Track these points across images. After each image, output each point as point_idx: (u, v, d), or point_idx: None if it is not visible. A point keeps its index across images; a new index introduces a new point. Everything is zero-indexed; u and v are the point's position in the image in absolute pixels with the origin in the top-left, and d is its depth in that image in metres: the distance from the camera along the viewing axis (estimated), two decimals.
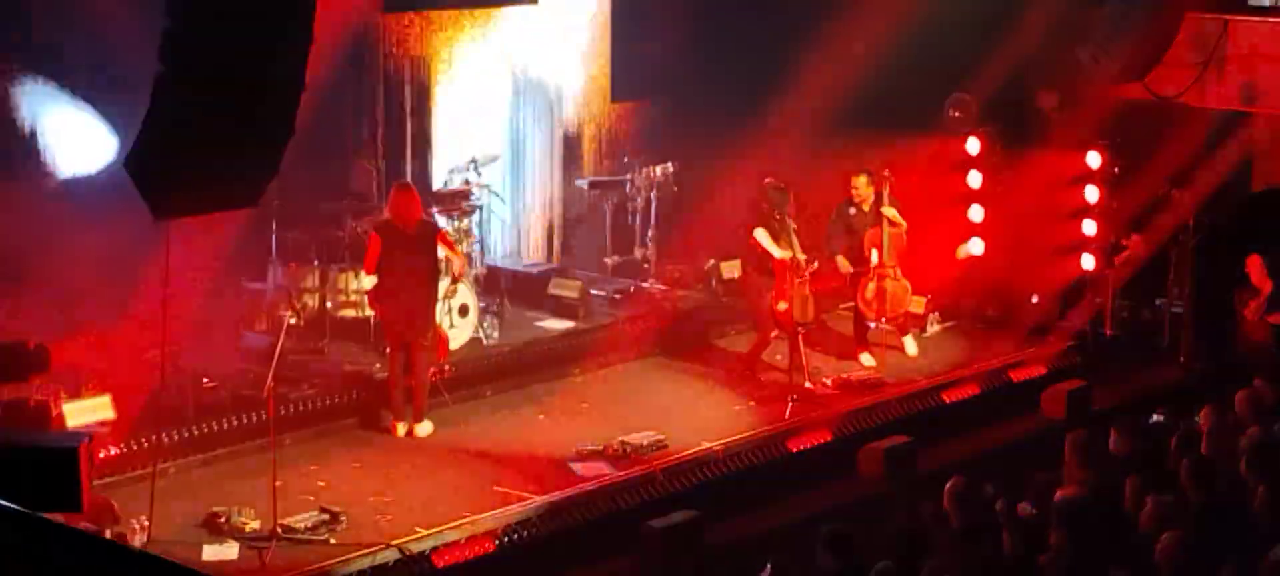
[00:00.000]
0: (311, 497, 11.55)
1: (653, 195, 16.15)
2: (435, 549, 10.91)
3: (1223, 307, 15.21)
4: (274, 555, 10.74)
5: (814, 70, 16.24)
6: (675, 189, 16.42)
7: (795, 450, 13.06)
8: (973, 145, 16.24)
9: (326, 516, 11.14)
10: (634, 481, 12.12)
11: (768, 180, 14.37)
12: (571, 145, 16.95)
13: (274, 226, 13.66)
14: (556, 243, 16.80)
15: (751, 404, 13.79)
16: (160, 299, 10.65)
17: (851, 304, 15.18)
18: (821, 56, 16.23)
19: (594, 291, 15.68)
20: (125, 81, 12.71)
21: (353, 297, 13.83)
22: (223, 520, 11.07)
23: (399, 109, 15.39)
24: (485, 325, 14.31)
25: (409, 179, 14.28)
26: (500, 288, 14.98)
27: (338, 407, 13.03)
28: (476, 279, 14.48)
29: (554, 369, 14.34)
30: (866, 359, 14.84)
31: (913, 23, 15.97)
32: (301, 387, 12.95)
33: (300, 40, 8.82)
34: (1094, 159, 16.00)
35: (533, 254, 16.60)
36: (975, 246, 16.26)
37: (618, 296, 15.86)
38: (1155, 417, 13.16)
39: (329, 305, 13.90)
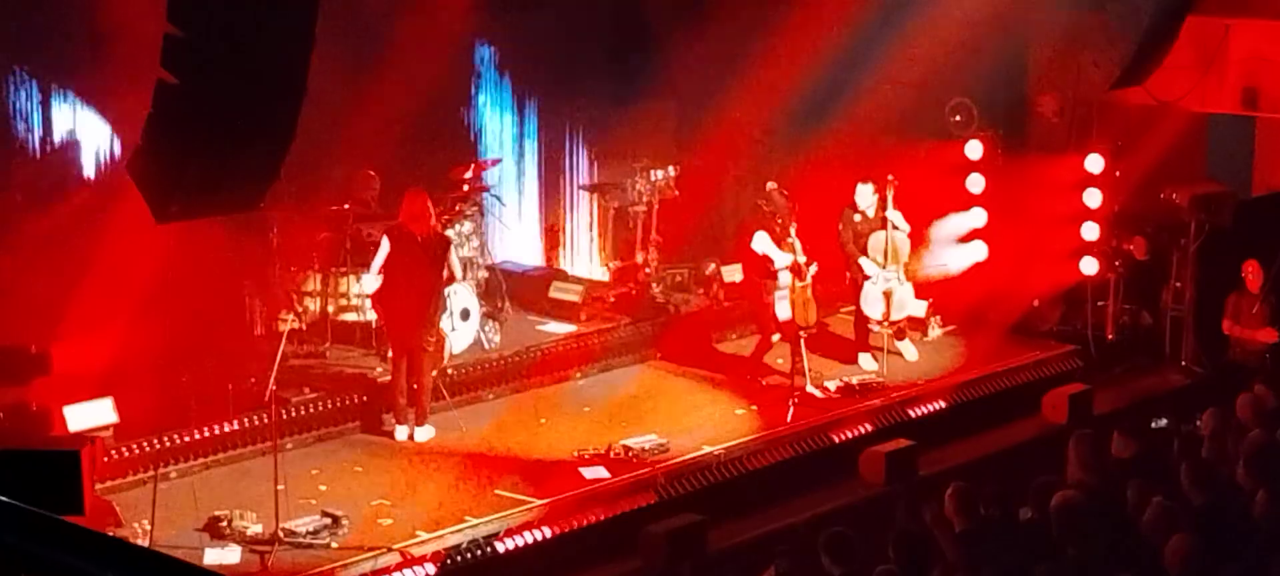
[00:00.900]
0: (313, 501, 11.55)
1: (654, 199, 16.14)
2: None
3: (1222, 312, 15.21)
4: (276, 559, 10.74)
5: (815, 72, 16.25)
6: (677, 193, 16.41)
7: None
8: (974, 149, 16.24)
9: (328, 520, 11.14)
10: (635, 485, 12.13)
11: (770, 184, 14.38)
12: (574, 149, 16.94)
13: (275, 230, 13.64)
14: (558, 246, 16.78)
15: (753, 407, 13.79)
16: (163, 302, 10.66)
17: (851, 308, 15.19)
18: (823, 59, 16.23)
19: (595, 295, 15.66)
20: (128, 84, 12.80)
21: (354, 301, 13.83)
22: (224, 524, 11.07)
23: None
24: (487, 329, 14.30)
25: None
26: (502, 291, 14.97)
27: (339, 411, 13.03)
28: (479, 282, 14.47)
29: (555, 372, 14.34)
30: (867, 361, 14.84)
31: (914, 24, 16.00)
32: (303, 391, 12.94)
33: (301, 45, 8.83)
34: (1095, 163, 16.00)
35: (534, 257, 16.59)
36: (976, 250, 16.24)
37: (619, 300, 15.85)
38: (1158, 422, 13.19)
39: (330, 309, 13.90)
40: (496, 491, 11.85)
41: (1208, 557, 8.70)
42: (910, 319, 15.12)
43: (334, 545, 10.93)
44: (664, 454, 12.58)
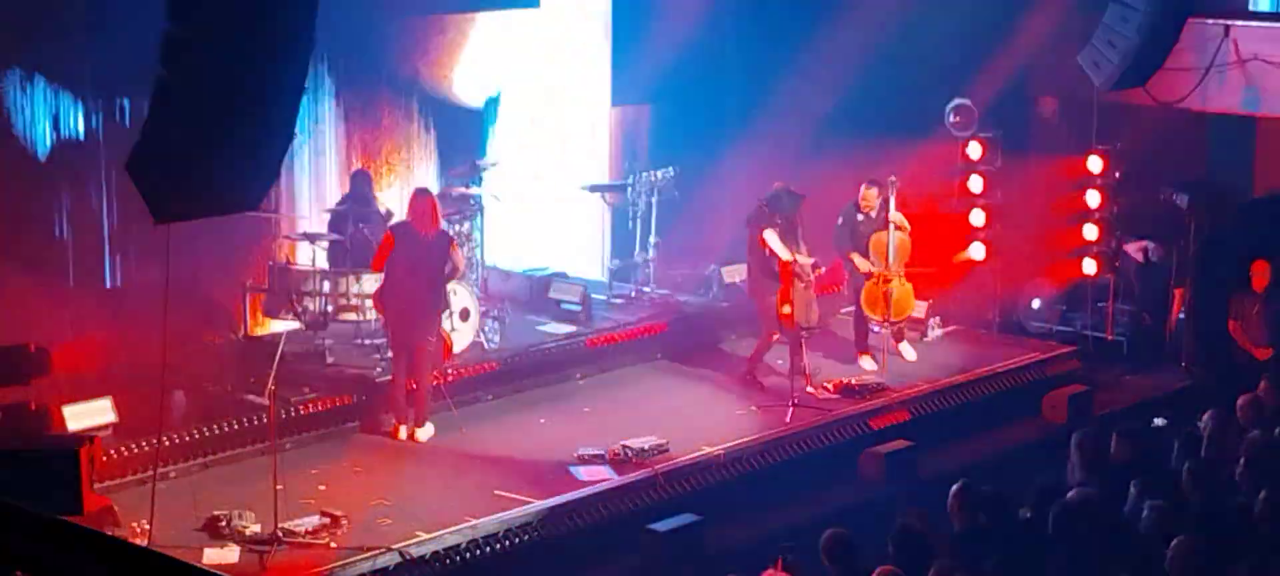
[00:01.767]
0: (312, 501, 11.54)
1: (654, 199, 16.13)
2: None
3: (1224, 312, 15.20)
4: (275, 558, 10.73)
5: (815, 74, 16.26)
6: (676, 193, 16.40)
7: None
8: (974, 150, 16.24)
9: (327, 520, 11.13)
10: (635, 485, 12.12)
11: (778, 184, 14.35)
12: (573, 149, 16.94)
13: (275, 229, 13.64)
14: (558, 247, 16.77)
15: (753, 408, 13.78)
16: (162, 301, 10.63)
17: (850, 308, 15.18)
18: (823, 61, 16.24)
19: (595, 295, 15.66)
20: (127, 83, 12.81)
21: (354, 301, 13.80)
22: (223, 523, 11.06)
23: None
24: (486, 329, 14.30)
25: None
26: (501, 292, 14.96)
27: (339, 411, 13.02)
28: (477, 283, 14.46)
29: (555, 373, 14.34)
30: (867, 362, 14.84)
31: (915, 27, 16.00)
32: (302, 391, 12.93)
33: (301, 44, 8.82)
34: (1095, 163, 16.00)
35: (534, 258, 16.58)
36: (976, 251, 16.25)
37: (619, 300, 15.86)
38: (1158, 422, 13.19)
39: (330, 308, 13.88)
40: (496, 491, 11.84)
41: (1208, 559, 8.69)
42: (910, 319, 15.11)
43: (333, 544, 10.92)
44: (664, 454, 12.58)
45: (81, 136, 13.23)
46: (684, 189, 16.44)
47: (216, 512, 11.16)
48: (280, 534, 10.88)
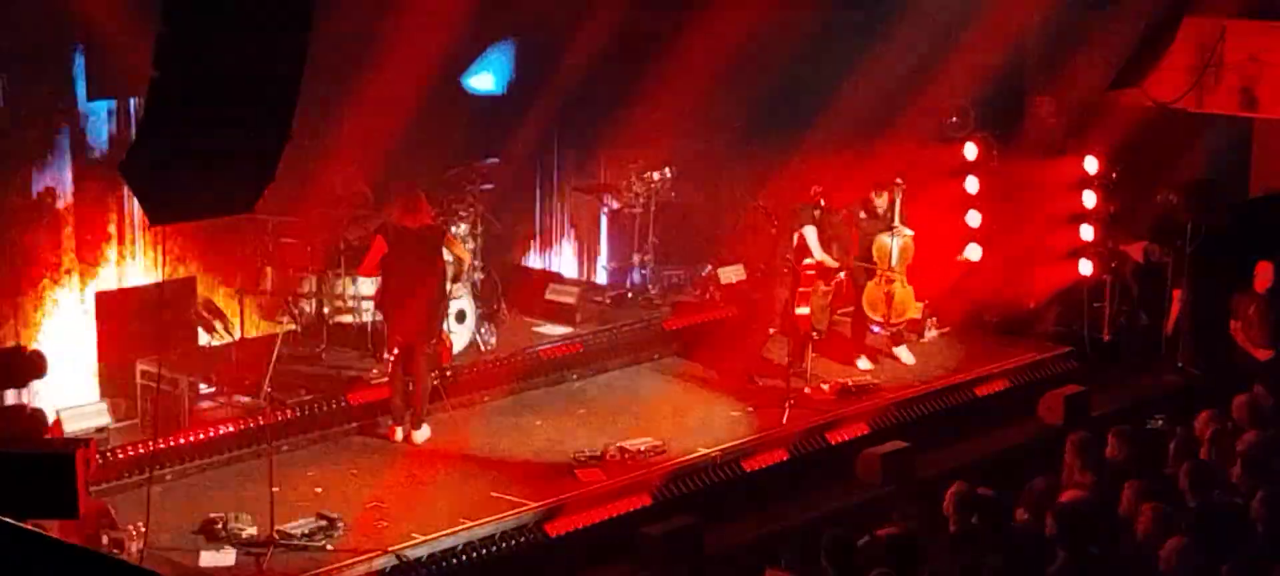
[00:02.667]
0: (308, 503, 11.53)
1: (651, 201, 16.13)
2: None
3: (1221, 312, 15.20)
4: (271, 561, 10.72)
5: (811, 76, 16.26)
6: (674, 195, 16.40)
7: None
8: (970, 151, 16.24)
9: (323, 522, 11.12)
10: (631, 487, 12.11)
11: (816, 190, 14.44)
12: (571, 150, 16.92)
13: (270, 231, 13.63)
14: (554, 248, 16.76)
15: (749, 409, 13.77)
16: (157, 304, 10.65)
17: (848, 310, 15.18)
18: (819, 62, 16.24)
19: (591, 297, 15.65)
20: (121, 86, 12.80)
21: (350, 303, 13.80)
22: (220, 526, 11.04)
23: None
24: (483, 331, 14.29)
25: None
26: (498, 293, 14.96)
27: (335, 413, 13.01)
28: (475, 284, 14.45)
29: (551, 374, 14.33)
30: (863, 362, 14.84)
31: (911, 28, 16.00)
32: (298, 393, 12.92)
33: (297, 45, 8.81)
34: (1091, 164, 16.00)
35: (531, 259, 16.58)
36: (973, 252, 16.24)
37: (615, 301, 15.84)
38: (1154, 423, 13.19)
39: (326, 310, 13.88)
40: (492, 493, 11.83)
41: (1204, 559, 8.69)
42: (909, 321, 15.10)
43: (329, 547, 10.90)
44: (660, 456, 12.57)
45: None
46: (681, 190, 16.43)
47: (213, 515, 11.15)
48: (276, 536, 10.87)
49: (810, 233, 14.25)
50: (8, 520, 4.01)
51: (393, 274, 12.78)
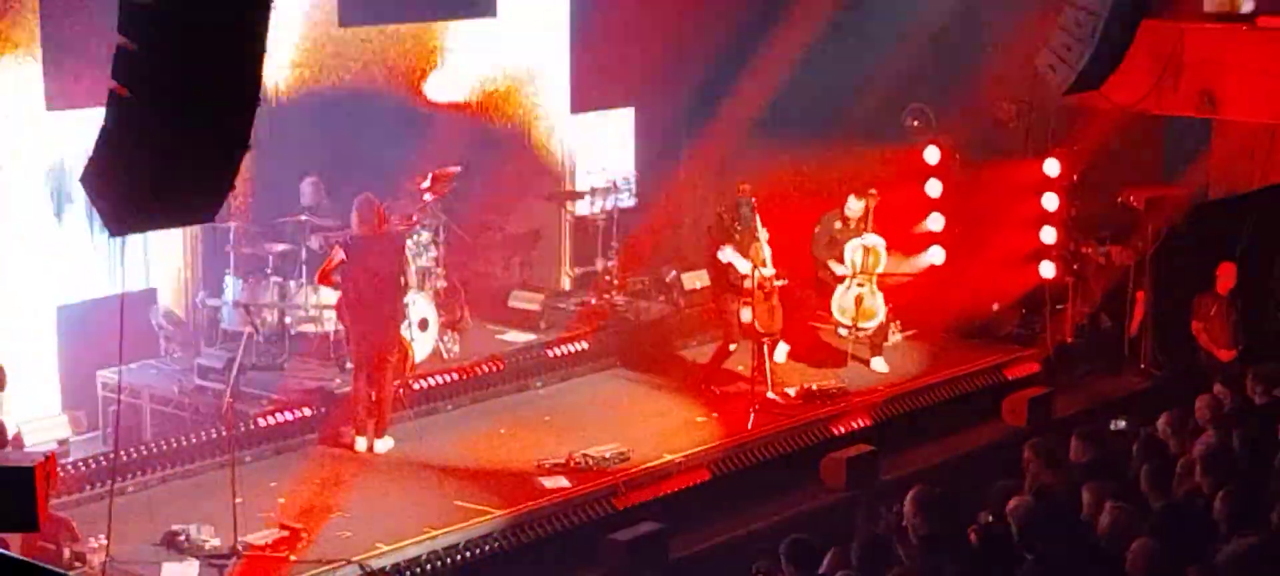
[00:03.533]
0: (272, 514, 11.48)
1: (614, 206, 16.12)
2: None
3: (1183, 313, 15.27)
4: (234, 572, 10.67)
5: (773, 80, 16.27)
6: (636, 201, 16.40)
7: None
8: (931, 154, 16.27)
9: (287, 533, 11.09)
10: (596, 494, 12.10)
11: (738, 195, 14.34)
12: (532, 157, 16.90)
13: (231, 241, 13.58)
14: (517, 255, 16.73)
15: (714, 414, 13.77)
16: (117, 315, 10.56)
17: (812, 321, 15.20)
18: (781, 66, 16.26)
19: (555, 304, 15.64)
20: (80, 95, 12.72)
21: (311, 312, 13.76)
22: (182, 538, 10.99)
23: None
24: (446, 339, 14.26)
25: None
26: (460, 301, 14.92)
27: (297, 423, 12.96)
28: (436, 293, 14.42)
29: (515, 382, 14.31)
30: (879, 363, 14.85)
31: (872, 32, 16.04)
32: (261, 403, 12.87)
33: (255, 54, 8.76)
34: (1052, 166, 16.04)
35: (492, 267, 16.54)
36: (935, 255, 16.28)
37: (579, 308, 15.83)
38: (1117, 424, 13.22)
39: (288, 320, 13.83)
40: (457, 502, 11.82)
41: (1168, 560, 8.70)
42: (879, 327, 15.07)
43: (293, 558, 10.86)
44: (625, 462, 12.57)
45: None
46: (644, 195, 16.44)
47: (175, 527, 11.10)
48: (240, 547, 10.83)
49: (727, 252, 14.12)
50: None
51: (353, 283, 12.74)
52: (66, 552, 10.48)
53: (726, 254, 14.07)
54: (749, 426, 13.42)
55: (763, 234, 14.14)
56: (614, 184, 16.24)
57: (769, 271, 14.07)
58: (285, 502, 11.81)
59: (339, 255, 12.71)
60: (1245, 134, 16.73)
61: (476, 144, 16.04)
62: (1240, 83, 16.03)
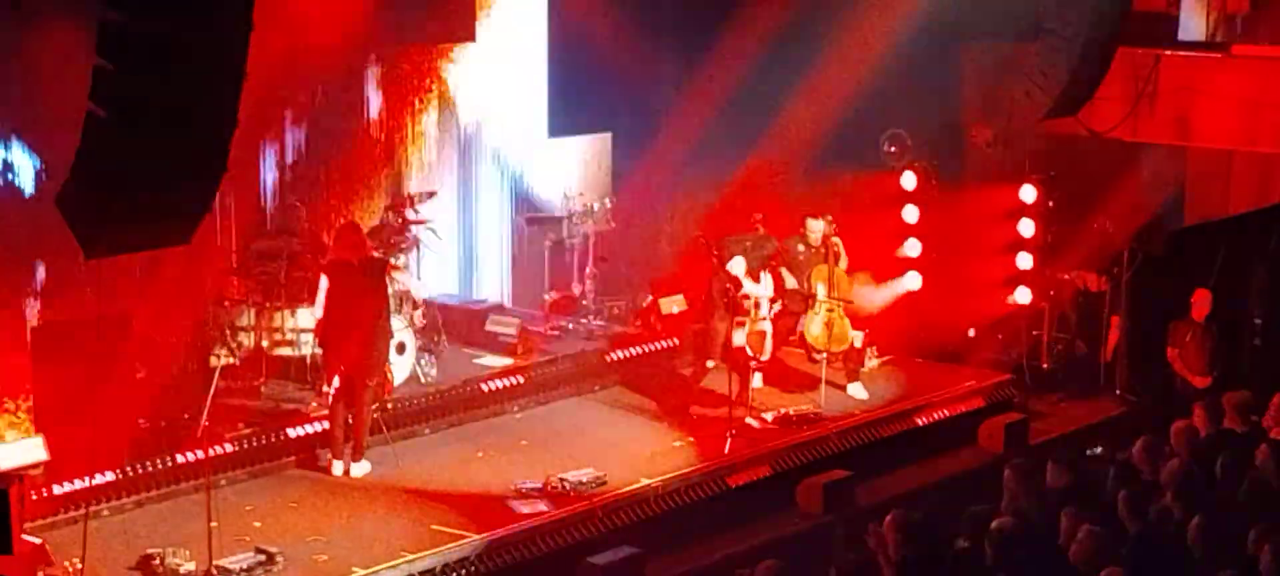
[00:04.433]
0: (247, 538, 11.44)
1: (591, 231, 16.13)
2: None
3: (1158, 340, 15.32)
4: None
5: (751, 106, 16.32)
6: (613, 224, 16.42)
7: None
8: (908, 180, 16.33)
9: (263, 557, 11.04)
10: (573, 518, 12.08)
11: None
12: (509, 181, 16.92)
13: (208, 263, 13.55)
14: (494, 279, 16.73)
15: (691, 439, 13.77)
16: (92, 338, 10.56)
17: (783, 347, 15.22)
18: (759, 93, 16.30)
19: (532, 328, 15.63)
20: (57, 118, 12.67)
21: (288, 335, 13.74)
22: (157, 562, 10.94)
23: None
24: (423, 362, 14.24)
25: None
26: (438, 325, 14.91)
27: (274, 447, 12.92)
28: (412, 317, 14.40)
29: (492, 406, 14.29)
30: (857, 390, 14.88)
31: (849, 58, 16.09)
32: (237, 427, 12.83)
33: (233, 77, 8.77)
34: (1029, 193, 16.10)
35: (470, 291, 16.54)
36: (911, 281, 16.32)
37: (556, 333, 15.83)
38: (1093, 450, 13.25)
39: (265, 344, 13.80)
40: (433, 526, 11.79)
41: None
42: (851, 349, 15.09)
43: None
44: (601, 487, 12.55)
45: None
46: (621, 220, 16.45)
47: (150, 551, 11.05)
48: (214, 572, 10.79)
49: (738, 264, 14.25)
50: None
51: (334, 306, 12.73)
52: None
53: (737, 265, 14.17)
54: (726, 451, 13.41)
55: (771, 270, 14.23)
56: (591, 208, 16.25)
57: (768, 294, 14.19)
58: (261, 526, 11.77)
59: (325, 282, 12.72)
60: (1220, 161, 16.82)
61: (454, 167, 16.07)
62: (1215, 110, 16.13)
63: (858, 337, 15.10)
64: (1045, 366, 16.16)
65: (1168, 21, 16.81)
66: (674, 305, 15.85)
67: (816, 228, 14.85)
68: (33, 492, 11.15)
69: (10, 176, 12.91)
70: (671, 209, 17.12)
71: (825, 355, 14.83)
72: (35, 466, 11.71)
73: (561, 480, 12.53)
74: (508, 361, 14.94)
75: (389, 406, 13.41)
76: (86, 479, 11.42)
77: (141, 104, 8.52)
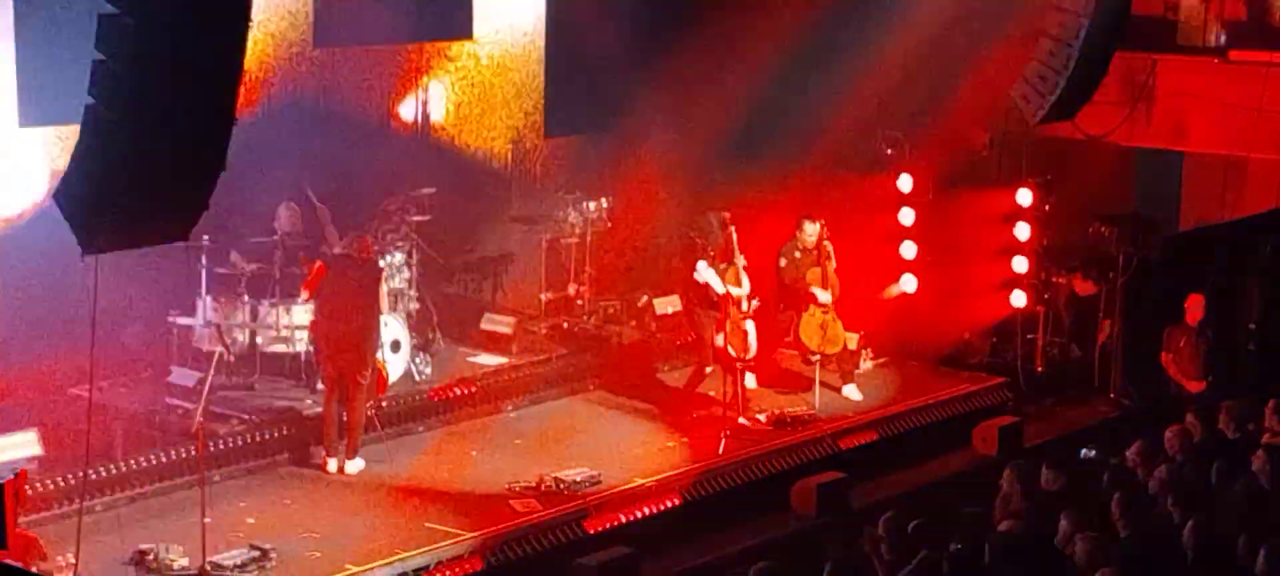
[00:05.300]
0: (241, 534, 11.44)
1: (587, 231, 16.13)
2: None
3: (1152, 343, 15.34)
4: None
5: (748, 106, 16.32)
6: (609, 224, 16.41)
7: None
8: (904, 182, 16.32)
9: (256, 553, 11.04)
10: (567, 518, 12.08)
11: (710, 214, 14.40)
12: (506, 180, 16.91)
13: (204, 261, 13.54)
14: (490, 278, 16.73)
15: (685, 439, 13.77)
16: (88, 333, 10.52)
17: (779, 348, 15.21)
18: (756, 93, 16.30)
19: (527, 327, 15.62)
20: (55, 113, 12.69)
21: (283, 333, 13.73)
22: (151, 557, 10.94)
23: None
24: (417, 361, 14.24)
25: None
26: (432, 323, 14.91)
27: (268, 443, 12.92)
28: (409, 314, 14.41)
29: (486, 405, 14.29)
30: (853, 392, 14.85)
31: (847, 60, 16.09)
32: (231, 423, 12.83)
33: (231, 74, 8.78)
34: (1025, 196, 16.11)
35: (465, 289, 16.53)
36: (908, 283, 16.32)
37: (551, 331, 15.82)
38: (1087, 453, 13.27)
39: (259, 340, 13.79)
40: (427, 524, 11.79)
41: None
42: (845, 351, 15.09)
43: None
44: (596, 486, 12.55)
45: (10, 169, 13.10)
46: (617, 220, 16.44)
47: (143, 546, 11.05)
48: (208, 568, 10.78)
49: (703, 268, 14.18)
50: None
51: (328, 303, 12.73)
52: (35, 571, 10.40)
53: (702, 271, 14.10)
54: (720, 452, 13.42)
55: (739, 260, 14.17)
56: (587, 207, 16.24)
57: (743, 292, 14.10)
58: (255, 522, 11.76)
59: (322, 268, 12.74)
60: (1216, 166, 16.85)
61: (450, 166, 16.06)
62: (1211, 115, 16.15)
63: (853, 339, 15.10)
64: (1039, 370, 16.16)
65: (1165, 26, 16.84)
66: (669, 305, 15.84)
67: (811, 230, 14.83)
68: (27, 487, 11.13)
69: None
70: (668, 209, 17.10)
71: (820, 357, 14.83)
72: (30, 460, 11.72)
73: (555, 479, 12.53)
74: (503, 360, 14.93)
75: (384, 404, 13.41)
76: (81, 473, 11.41)
77: (140, 100, 8.52)
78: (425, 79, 16.08)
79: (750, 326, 14.27)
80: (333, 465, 12.80)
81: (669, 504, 12.65)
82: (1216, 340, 15.19)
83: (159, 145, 8.69)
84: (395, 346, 13.82)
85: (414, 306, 14.62)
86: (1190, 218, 17.06)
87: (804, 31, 16.32)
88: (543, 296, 16.28)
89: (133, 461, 12.12)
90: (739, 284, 14.12)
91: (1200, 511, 9.81)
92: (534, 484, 12.51)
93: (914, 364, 16.05)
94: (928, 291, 16.25)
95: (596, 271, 16.27)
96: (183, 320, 13.74)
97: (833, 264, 14.82)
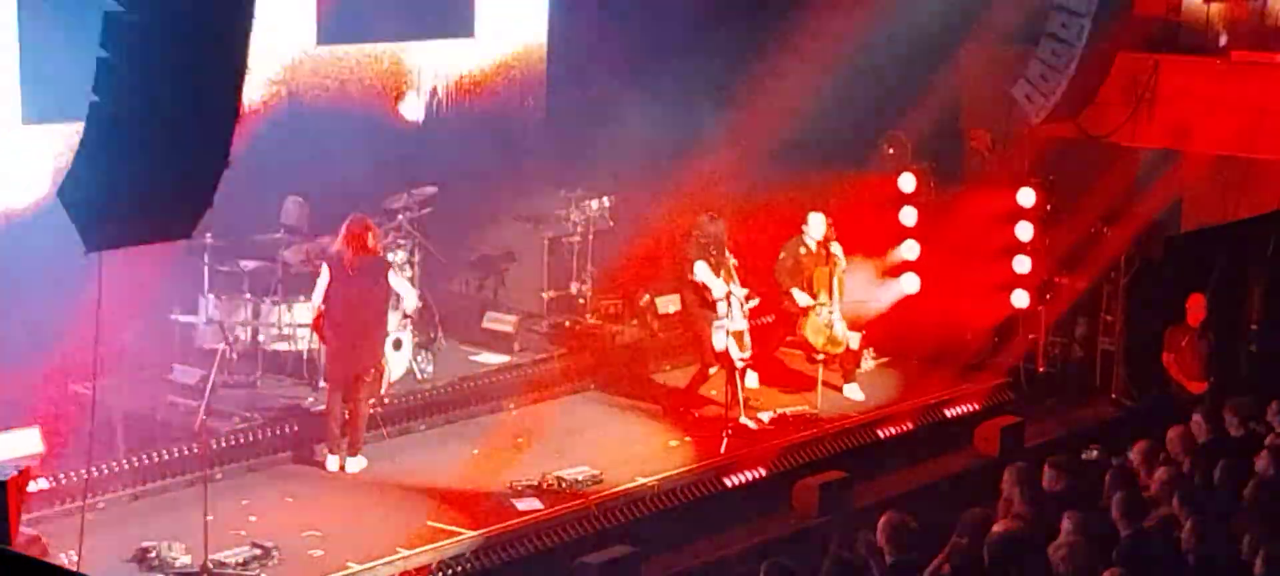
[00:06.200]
0: (243, 532, 11.44)
1: (589, 229, 16.13)
2: None
3: (1154, 344, 15.34)
4: None
5: (749, 106, 16.32)
6: (611, 223, 16.41)
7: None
8: (907, 182, 16.32)
9: (258, 551, 11.04)
10: (568, 517, 12.09)
11: (702, 215, 14.40)
12: (508, 179, 16.91)
13: (206, 258, 13.55)
14: (492, 277, 16.72)
15: (687, 438, 13.78)
16: (91, 330, 10.53)
17: (787, 340, 15.20)
18: (757, 93, 16.31)
19: (529, 326, 15.62)
20: (59, 110, 12.69)
21: (286, 330, 13.73)
22: (153, 555, 10.95)
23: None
24: (419, 359, 14.24)
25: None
26: (434, 321, 14.91)
27: (270, 441, 12.92)
28: (406, 314, 14.39)
29: (488, 403, 14.29)
30: (855, 391, 14.85)
31: (849, 60, 16.09)
32: (233, 421, 12.83)
33: (235, 71, 8.78)
34: (1027, 197, 16.09)
35: (467, 287, 16.53)
36: (909, 283, 16.32)
37: (553, 330, 15.82)
38: (1089, 453, 13.28)
39: (262, 338, 13.80)
40: (429, 522, 11.79)
41: None
42: (848, 351, 15.09)
43: None
44: (597, 485, 12.56)
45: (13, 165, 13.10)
46: (619, 219, 16.44)
47: (146, 544, 11.05)
48: (210, 565, 10.79)
49: (701, 268, 14.17)
50: None
51: (335, 304, 12.71)
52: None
53: (700, 270, 14.09)
54: (722, 451, 13.42)
55: (730, 260, 14.17)
56: (590, 206, 16.24)
57: (741, 291, 14.10)
58: (257, 520, 11.77)
59: (325, 275, 12.71)
60: (1218, 167, 16.82)
61: (453, 164, 16.05)
62: (1213, 116, 16.13)
63: (855, 339, 15.11)
64: (1041, 370, 16.16)
65: (1168, 27, 16.83)
66: (671, 304, 15.85)
67: (817, 221, 14.76)
68: (30, 484, 11.13)
69: None
70: (670, 209, 17.09)
71: (822, 356, 14.83)
72: (33, 458, 11.71)
73: (557, 478, 12.53)
74: (505, 359, 14.94)
75: (386, 402, 13.41)
76: (83, 471, 11.41)
77: (144, 96, 8.53)
78: (427, 77, 16.09)
79: (744, 326, 14.27)
80: (335, 463, 12.80)
81: (671, 503, 12.65)
82: (1218, 341, 15.19)
83: (163, 143, 8.71)
84: (397, 345, 13.82)
85: (416, 304, 14.61)
86: (1192, 218, 17.04)
87: (807, 30, 16.33)
88: (545, 295, 16.28)
89: (135, 459, 12.12)
90: (734, 284, 14.13)
91: (1200, 512, 9.82)
92: (536, 482, 12.52)
93: (916, 363, 16.05)
94: (930, 291, 16.25)
95: (599, 270, 16.27)
96: (185, 317, 13.76)
97: (842, 267, 14.79)
